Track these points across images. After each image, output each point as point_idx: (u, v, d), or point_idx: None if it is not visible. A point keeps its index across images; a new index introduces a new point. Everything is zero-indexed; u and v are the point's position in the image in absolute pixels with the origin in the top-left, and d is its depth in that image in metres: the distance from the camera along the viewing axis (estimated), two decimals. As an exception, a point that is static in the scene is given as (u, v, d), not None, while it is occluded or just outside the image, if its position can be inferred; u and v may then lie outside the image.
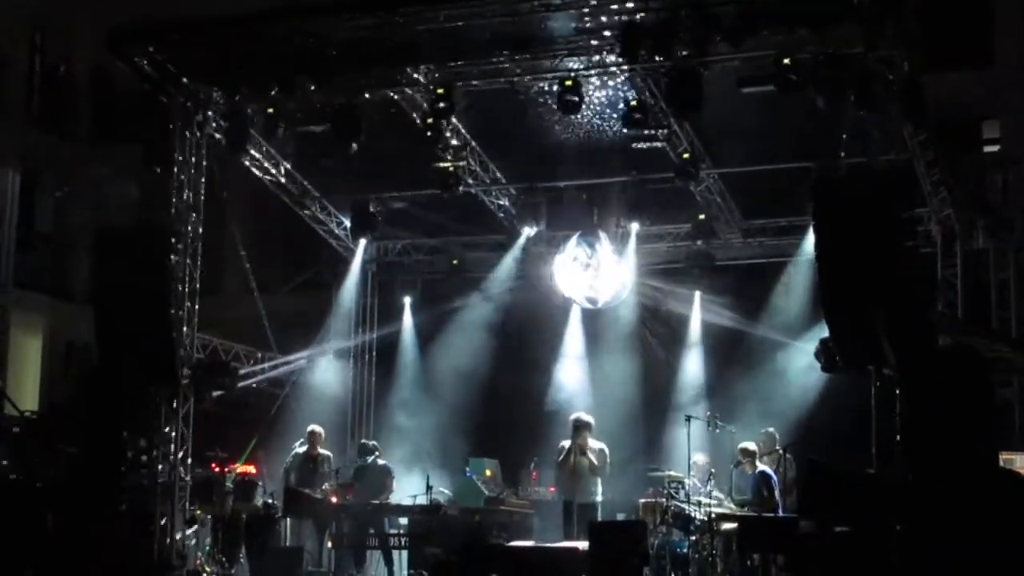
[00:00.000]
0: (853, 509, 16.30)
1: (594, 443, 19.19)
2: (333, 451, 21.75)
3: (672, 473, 19.37)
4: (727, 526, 17.55)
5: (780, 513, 17.91)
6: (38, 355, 29.24)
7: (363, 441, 21.02)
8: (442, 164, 21.72)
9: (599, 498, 19.22)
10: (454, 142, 21.67)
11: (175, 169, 20.64)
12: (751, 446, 18.77)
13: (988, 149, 26.14)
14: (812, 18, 17.10)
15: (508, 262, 25.00)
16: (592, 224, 23.65)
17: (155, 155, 20.33)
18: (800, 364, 20.56)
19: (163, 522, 20.12)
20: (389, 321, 26.08)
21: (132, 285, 19.79)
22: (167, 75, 20.28)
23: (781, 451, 18.82)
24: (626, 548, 16.96)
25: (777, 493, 18.14)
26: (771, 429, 19.65)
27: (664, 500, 18.18)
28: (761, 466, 18.61)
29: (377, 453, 20.59)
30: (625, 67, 18.87)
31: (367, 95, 19.96)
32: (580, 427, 19.14)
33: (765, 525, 17.28)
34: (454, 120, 20.83)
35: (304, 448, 20.66)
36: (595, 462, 18.96)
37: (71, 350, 27.74)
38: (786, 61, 17.54)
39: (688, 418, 18.78)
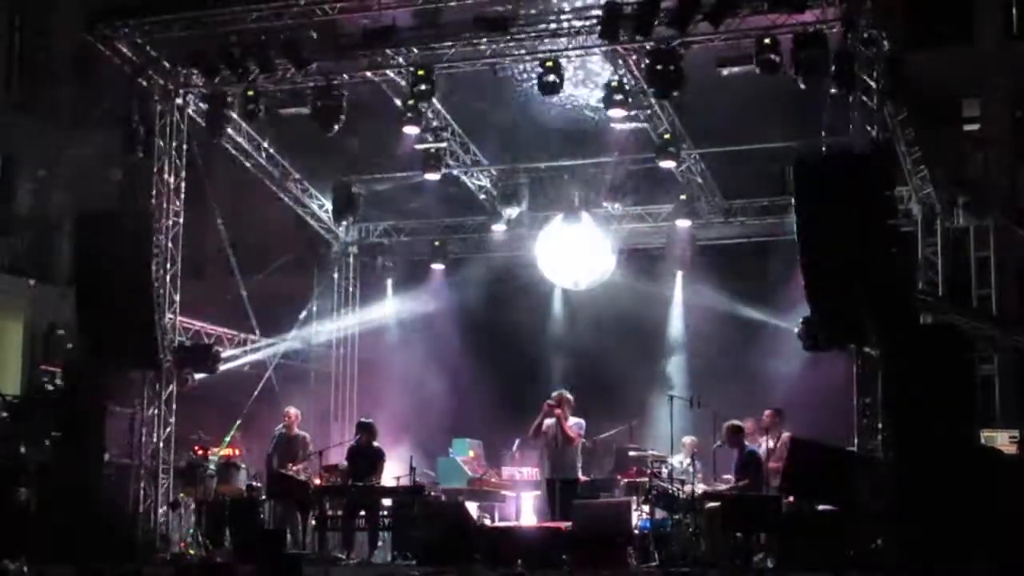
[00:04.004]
0: (835, 487, 16.40)
1: (572, 419, 19.29)
2: (317, 432, 21.76)
3: (654, 452, 19.40)
4: (710, 504, 17.58)
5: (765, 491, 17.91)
6: (20, 339, 29.18)
7: (361, 420, 20.86)
8: (423, 146, 21.74)
9: (580, 474, 19.29)
10: (435, 124, 21.67)
11: (156, 152, 20.62)
12: (737, 424, 18.72)
13: (968, 128, 26.19)
14: (793, -4, 17.18)
15: (490, 243, 25.02)
16: (574, 205, 23.64)
17: (136, 138, 20.27)
18: (783, 343, 20.57)
19: (146, 505, 20.14)
20: (371, 303, 26.07)
21: (114, 269, 19.79)
22: (147, 58, 20.26)
23: (767, 428, 18.78)
24: (610, 527, 17.02)
25: (762, 471, 18.11)
26: (777, 407, 19.40)
27: (647, 480, 18.19)
28: (749, 445, 18.57)
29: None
30: (606, 48, 18.88)
31: (347, 77, 19.97)
32: (561, 404, 19.21)
33: (748, 503, 17.31)
34: (435, 102, 20.82)
35: (283, 430, 20.65)
36: (570, 435, 19.06)
37: (53, 334, 27.67)
38: (766, 41, 17.57)
39: (671, 398, 18.78)
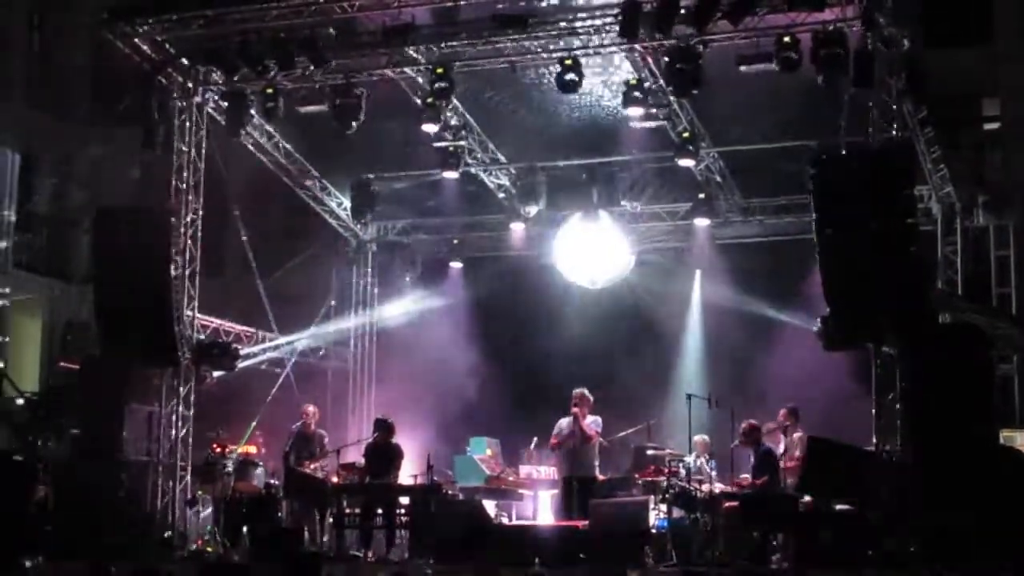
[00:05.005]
0: (852, 486, 16.36)
1: (589, 417, 19.27)
2: (334, 430, 21.75)
3: (671, 451, 19.36)
4: (728, 504, 17.55)
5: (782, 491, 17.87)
6: (38, 336, 29.23)
7: (379, 417, 20.79)
8: (442, 144, 21.76)
9: (598, 472, 19.29)
10: (453, 122, 21.69)
11: (175, 150, 20.66)
12: (753, 424, 18.69)
13: (988, 126, 26.10)
14: (813, -6, 17.15)
15: (508, 242, 25.01)
16: (592, 203, 23.62)
17: (154, 136, 20.32)
18: (801, 342, 20.50)
19: (164, 502, 20.18)
20: (389, 300, 26.08)
21: (132, 266, 19.82)
22: (166, 55, 20.30)
23: (784, 426, 18.75)
24: (627, 526, 16.98)
25: (778, 470, 18.06)
26: (792, 405, 19.34)
27: (665, 478, 18.16)
28: (765, 444, 18.53)
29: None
30: (625, 46, 18.86)
31: (367, 75, 19.99)
32: (580, 402, 19.19)
33: (766, 502, 17.28)
34: (453, 100, 20.82)
35: (301, 428, 20.63)
36: (588, 432, 19.06)
37: (71, 331, 27.69)
38: (786, 39, 17.55)
39: (689, 396, 18.75)
